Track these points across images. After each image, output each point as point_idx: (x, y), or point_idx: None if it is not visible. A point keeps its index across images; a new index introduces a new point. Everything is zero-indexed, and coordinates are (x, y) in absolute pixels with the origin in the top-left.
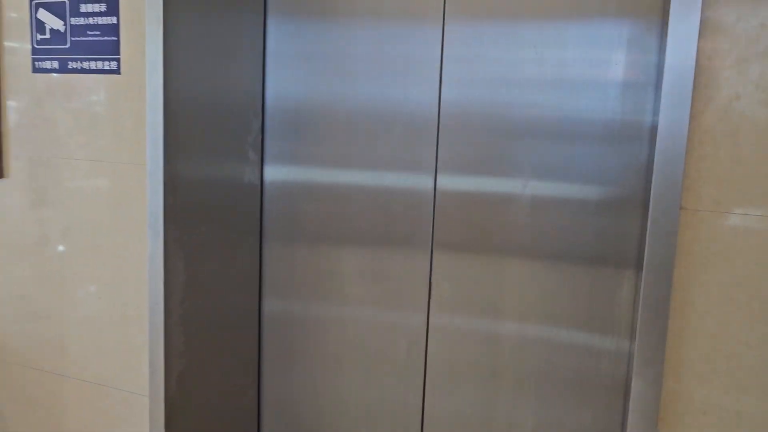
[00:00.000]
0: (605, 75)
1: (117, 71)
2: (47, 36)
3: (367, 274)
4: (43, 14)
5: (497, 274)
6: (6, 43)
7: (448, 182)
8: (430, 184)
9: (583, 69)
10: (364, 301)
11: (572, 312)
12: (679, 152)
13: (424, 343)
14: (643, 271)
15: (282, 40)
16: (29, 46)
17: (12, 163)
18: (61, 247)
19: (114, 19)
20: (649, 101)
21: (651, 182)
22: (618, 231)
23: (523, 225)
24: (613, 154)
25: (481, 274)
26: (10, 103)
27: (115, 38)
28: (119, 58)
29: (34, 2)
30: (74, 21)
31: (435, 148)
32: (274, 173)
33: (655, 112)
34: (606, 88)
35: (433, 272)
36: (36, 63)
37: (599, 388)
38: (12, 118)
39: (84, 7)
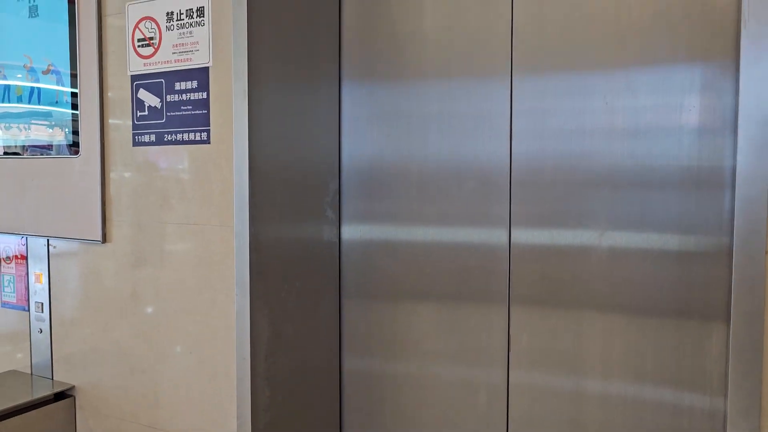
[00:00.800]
0: (679, 121)
1: (207, 141)
2: (146, 113)
3: (445, 330)
4: (143, 94)
5: (578, 327)
6: (111, 121)
7: (522, 235)
8: (504, 237)
9: (656, 116)
10: (442, 357)
11: (659, 366)
12: (760, 196)
13: (505, 400)
14: (731, 321)
15: (356, 103)
16: (130, 122)
17: (114, 230)
18: (156, 306)
19: (204, 94)
20: (727, 145)
21: (733, 228)
22: (702, 280)
23: (602, 277)
24: (692, 200)
25: (562, 327)
26: (113, 174)
27: (205, 111)
28: (209, 129)
29: (135, 83)
30: (169, 98)
31: (508, 201)
32: (351, 231)
33: (734, 156)
34: (680, 134)
35: (511, 327)
36: (136, 137)
37: None
38: (114, 187)
39: (178, 85)
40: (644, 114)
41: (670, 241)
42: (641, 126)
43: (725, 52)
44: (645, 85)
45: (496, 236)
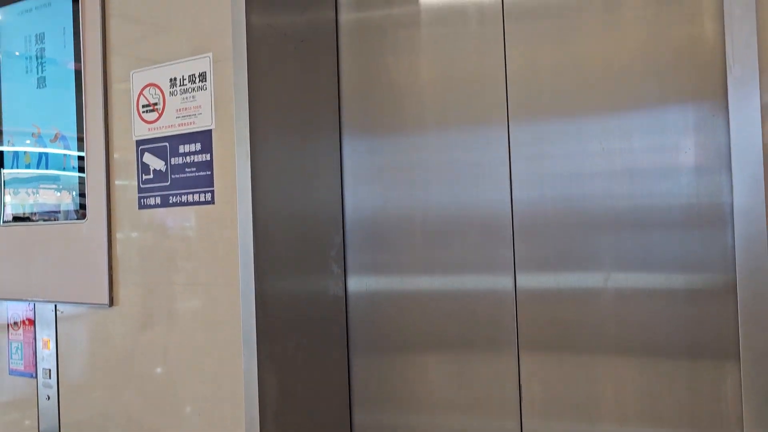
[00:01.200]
0: (676, 161)
1: (212, 201)
2: (151, 176)
3: (455, 380)
4: (148, 158)
5: (589, 372)
6: (117, 182)
7: (528, 281)
8: (509, 284)
9: (652, 157)
10: (454, 408)
11: (674, 410)
12: (760, 234)
13: None
14: (741, 360)
15: (357, 156)
16: (136, 185)
17: (121, 292)
18: (164, 367)
19: (208, 156)
20: (725, 183)
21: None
22: (712, 318)
23: (611, 319)
24: (696, 238)
25: (573, 372)
26: (119, 236)
27: (209, 172)
28: (213, 190)
29: (140, 148)
30: (174, 161)
31: (512, 247)
32: (357, 284)
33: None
34: (679, 174)
35: (521, 373)
36: (141, 200)
37: None
38: (120, 250)
39: (182, 148)
40: (641, 156)
41: (677, 281)
42: (639, 168)
43: (715, 94)
44: (640, 128)
45: (502, 282)
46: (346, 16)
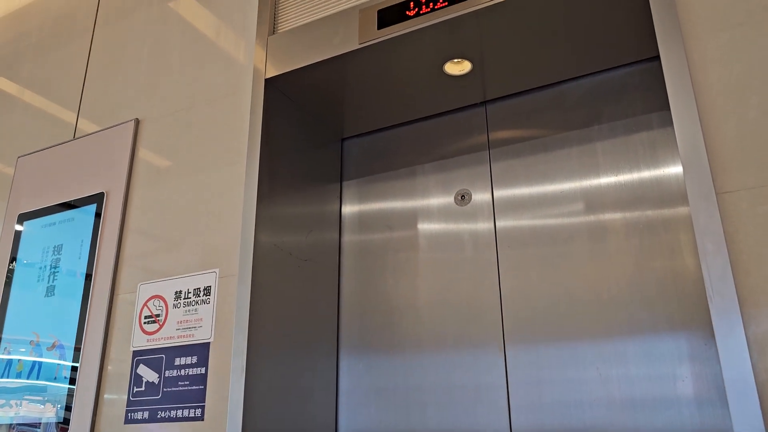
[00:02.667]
0: (674, 391)
1: (201, 418)
2: (142, 388)
3: None
4: (142, 369)
5: None
6: (106, 396)
7: None
8: None
9: (651, 386)
10: None
11: None
12: None
13: None
14: None
15: (353, 377)
16: (125, 397)
17: None
18: None
19: (203, 370)
20: (728, 414)
21: None
22: None
23: None
24: None
25: None
26: None
27: (202, 387)
28: (204, 405)
29: (136, 359)
30: (168, 373)
31: None
32: None
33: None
34: (679, 405)
35: None
36: (129, 414)
37: None
38: None
39: (178, 360)
40: (639, 384)
41: None
42: (638, 396)
43: (704, 324)
44: (635, 355)
45: None
46: (349, 238)
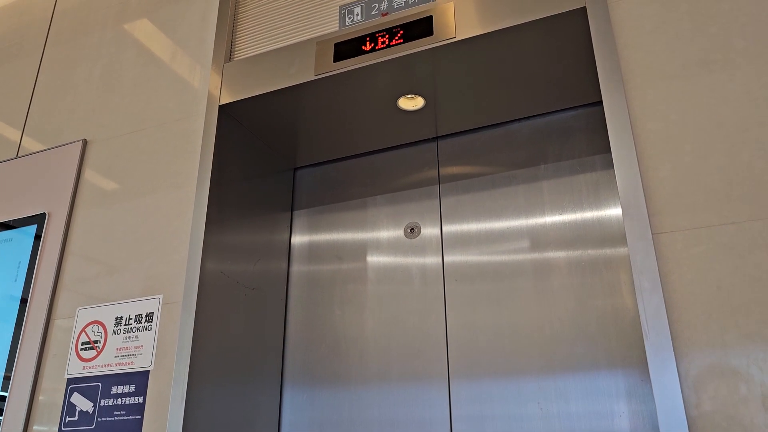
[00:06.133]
0: (612, 427)
1: None
2: (75, 418)
3: None
4: (76, 398)
5: None
6: (35, 428)
7: None
8: None
9: (590, 422)
10: None
11: None
12: None
13: None
14: None
15: (297, 409)
16: (56, 429)
17: None
18: None
19: (141, 399)
20: None
21: None
22: None
23: None
24: None
25: None
26: None
27: (139, 417)
28: None
29: (70, 387)
30: (103, 402)
31: None
32: None
33: None
34: None
35: None
36: None
37: None
38: None
39: (115, 389)
40: (578, 420)
41: None
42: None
43: (641, 361)
44: (576, 391)
45: None
46: (298, 268)
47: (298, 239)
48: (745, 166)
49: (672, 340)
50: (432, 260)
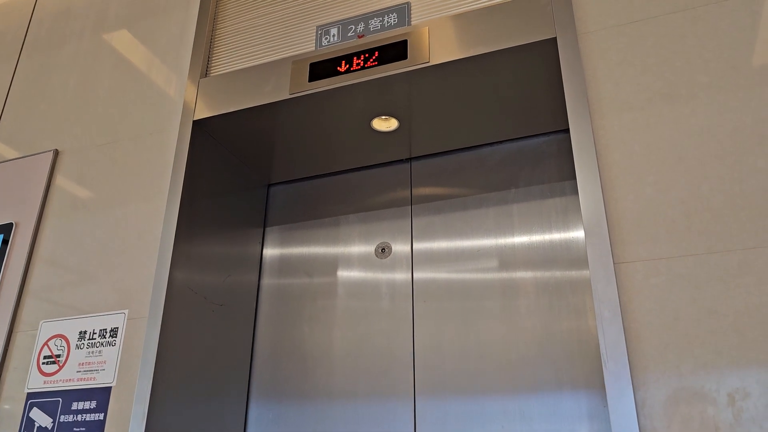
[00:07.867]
0: None
1: None
2: None
3: None
4: (35, 413)
5: None
6: None
7: None
8: None
9: None
10: None
11: None
12: None
13: None
14: None
15: (262, 427)
16: None
17: None
18: None
19: (101, 416)
20: None
21: None
22: None
23: None
24: None
25: None
26: None
27: None
28: None
29: (29, 402)
30: (63, 418)
31: None
32: None
33: None
34: None
35: None
36: None
37: None
38: None
39: (75, 405)
40: None
41: None
42: None
43: (603, 385)
44: (539, 413)
45: None
46: (268, 281)
47: (270, 252)
48: (704, 199)
49: (630, 369)
50: (401, 278)
